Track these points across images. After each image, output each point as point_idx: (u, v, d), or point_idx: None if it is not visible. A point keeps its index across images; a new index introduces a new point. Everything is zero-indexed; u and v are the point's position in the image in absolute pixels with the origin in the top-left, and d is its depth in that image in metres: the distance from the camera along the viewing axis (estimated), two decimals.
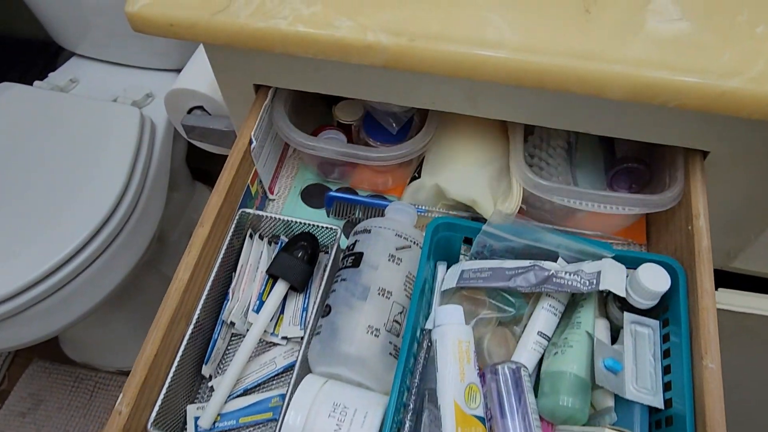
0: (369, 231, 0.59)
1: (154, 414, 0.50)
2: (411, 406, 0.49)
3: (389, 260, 0.57)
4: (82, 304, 1.07)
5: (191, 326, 0.54)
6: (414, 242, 0.59)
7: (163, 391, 0.51)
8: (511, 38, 0.50)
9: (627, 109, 0.53)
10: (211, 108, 0.80)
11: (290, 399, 0.50)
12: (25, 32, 1.68)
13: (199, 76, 0.80)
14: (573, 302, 0.55)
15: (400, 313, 0.55)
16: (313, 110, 0.74)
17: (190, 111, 0.81)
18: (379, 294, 0.55)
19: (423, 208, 0.66)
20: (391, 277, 0.56)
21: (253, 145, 0.60)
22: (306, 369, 0.55)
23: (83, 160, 1.08)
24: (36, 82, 1.27)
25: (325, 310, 0.55)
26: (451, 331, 0.50)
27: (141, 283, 1.36)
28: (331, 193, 0.68)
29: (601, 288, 0.50)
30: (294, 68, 0.59)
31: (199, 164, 1.46)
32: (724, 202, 0.61)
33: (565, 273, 0.52)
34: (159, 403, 0.51)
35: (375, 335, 0.53)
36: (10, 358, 1.51)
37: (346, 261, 0.58)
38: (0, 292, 0.88)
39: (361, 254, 0.57)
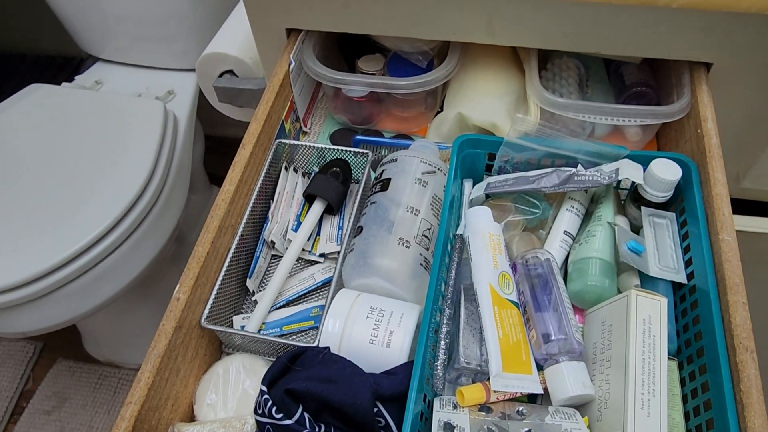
0: (395, 160, 0.63)
1: (206, 310, 0.53)
2: (447, 311, 0.51)
3: (416, 183, 0.60)
4: (104, 290, 1.06)
5: (236, 239, 0.58)
6: (438, 168, 0.62)
7: (215, 290, 0.54)
8: None
9: (633, 21, 0.58)
10: (240, 71, 0.86)
11: (329, 307, 0.53)
12: (48, 49, 1.76)
13: (228, 41, 0.85)
14: (593, 202, 0.59)
15: (428, 229, 0.58)
16: (336, 64, 0.79)
17: (220, 76, 0.87)
18: (407, 211, 0.58)
19: (445, 145, 0.70)
20: (418, 197, 0.59)
21: (291, 66, 0.64)
22: (342, 283, 0.58)
23: (110, 149, 1.11)
24: (64, 84, 1.33)
25: (357, 230, 0.59)
26: (482, 225, 0.54)
27: (161, 281, 1.37)
28: (358, 137, 0.72)
29: (620, 177, 0.53)
30: (323, 8, 0.65)
31: (214, 170, 1.49)
32: (729, 116, 0.65)
33: (586, 171, 0.56)
34: (211, 301, 0.54)
35: (406, 246, 0.56)
36: (34, 359, 1.53)
37: (375, 187, 0.62)
38: (23, 275, 0.89)
39: (389, 179, 0.61)
